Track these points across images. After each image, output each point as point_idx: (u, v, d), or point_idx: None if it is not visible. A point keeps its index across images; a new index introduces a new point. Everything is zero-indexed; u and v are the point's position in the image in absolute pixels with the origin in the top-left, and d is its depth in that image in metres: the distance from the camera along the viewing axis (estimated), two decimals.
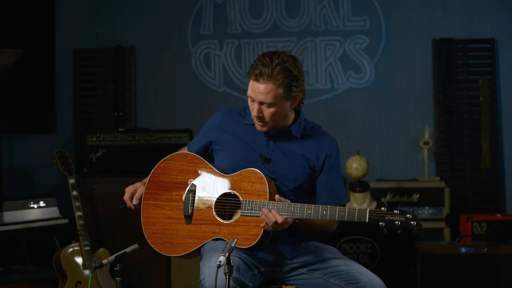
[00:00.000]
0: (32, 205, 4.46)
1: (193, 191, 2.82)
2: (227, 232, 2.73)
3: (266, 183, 2.72)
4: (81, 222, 4.20)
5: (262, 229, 2.68)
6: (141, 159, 4.86)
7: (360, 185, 4.71)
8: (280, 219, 2.63)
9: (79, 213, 4.21)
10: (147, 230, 2.86)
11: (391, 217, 2.57)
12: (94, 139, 4.92)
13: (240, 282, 2.53)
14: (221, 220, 2.76)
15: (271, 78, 2.68)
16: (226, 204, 2.79)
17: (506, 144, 5.23)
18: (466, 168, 5.22)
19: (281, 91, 2.71)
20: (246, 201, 2.73)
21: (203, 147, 2.95)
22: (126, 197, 2.94)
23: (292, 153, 2.84)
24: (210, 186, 2.82)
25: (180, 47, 5.47)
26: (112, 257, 2.61)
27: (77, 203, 4.23)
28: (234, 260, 2.56)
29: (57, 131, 5.49)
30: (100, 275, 4.19)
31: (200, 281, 2.60)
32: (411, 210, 2.61)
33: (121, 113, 5.43)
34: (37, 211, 4.48)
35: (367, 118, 5.34)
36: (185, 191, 2.84)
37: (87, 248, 4.16)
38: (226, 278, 2.33)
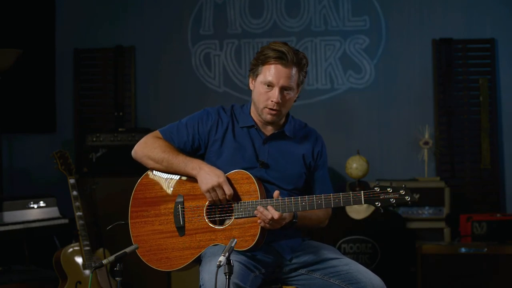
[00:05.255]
0: (32, 205, 4.46)
1: (181, 202, 2.77)
2: (224, 237, 2.70)
3: (255, 182, 2.70)
4: (81, 222, 4.19)
5: (259, 228, 2.66)
6: None
7: (360, 185, 4.70)
8: (276, 215, 2.61)
9: (79, 213, 4.21)
10: (140, 250, 2.78)
11: (385, 196, 2.58)
12: (94, 139, 4.92)
13: (239, 287, 2.51)
14: (216, 226, 2.73)
15: (296, 62, 2.72)
16: (218, 209, 2.75)
17: (506, 144, 5.23)
18: (466, 168, 5.22)
19: (301, 77, 2.76)
20: (238, 203, 2.70)
21: (191, 142, 2.85)
22: (221, 198, 2.69)
23: (288, 155, 2.84)
24: (198, 193, 2.76)
25: (180, 47, 5.47)
26: (112, 257, 2.60)
27: (77, 203, 4.23)
28: (234, 264, 2.55)
29: (57, 131, 5.49)
30: (100, 275, 4.19)
31: (200, 286, 2.58)
32: (404, 186, 2.60)
33: (121, 113, 5.43)
34: (37, 211, 4.48)
35: (367, 118, 5.33)
36: (173, 203, 2.78)
37: (87, 248, 4.16)
38: (226, 278, 2.31)
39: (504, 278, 4.32)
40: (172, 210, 2.78)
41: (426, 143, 5.12)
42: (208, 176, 2.69)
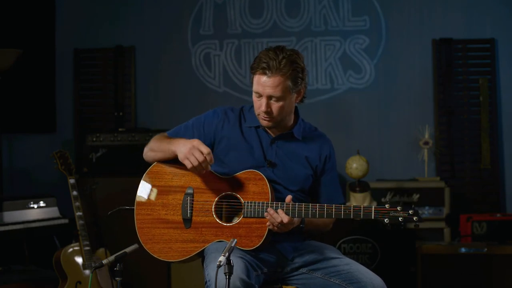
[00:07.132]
0: (32, 205, 4.46)
1: (191, 194, 2.78)
2: (229, 235, 2.71)
3: (268, 184, 2.72)
4: (81, 222, 4.19)
5: (267, 230, 2.67)
6: (141, 159, 4.85)
7: (360, 185, 4.70)
8: (286, 219, 2.63)
9: (79, 213, 4.21)
10: (143, 237, 2.79)
11: (395, 214, 2.62)
12: (94, 139, 4.92)
13: (247, 284, 2.52)
14: (223, 223, 2.74)
15: (279, 70, 2.69)
16: (226, 206, 2.77)
17: (506, 144, 5.23)
18: (466, 168, 5.22)
19: (289, 83, 2.73)
20: (248, 202, 2.71)
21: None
22: (200, 159, 2.65)
23: (295, 156, 2.85)
24: (208, 188, 2.78)
25: (180, 47, 5.47)
26: (112, 257, 2.60)
27: (77, 203, 4.23)
28: (241, 261, 2.56)
29: (57, 131, 5.49)
30: (100, 275, 4.19)
31: (206, 282, 2.60)
32: (412, 206, 2.66)
33: (121, 113, 5.43)
34: (37, 211, 4.48)
35: (367, 118, 5.34)
36: (182, 194, 2.79)
37: (87, 248, 4.16)
38: (226, 278, 2.32)
39: (504, 278, 4.32)
40: (181, 202, 2.78)
41: (426, 143, 5.12)
42: (183, 143, 2.71)
